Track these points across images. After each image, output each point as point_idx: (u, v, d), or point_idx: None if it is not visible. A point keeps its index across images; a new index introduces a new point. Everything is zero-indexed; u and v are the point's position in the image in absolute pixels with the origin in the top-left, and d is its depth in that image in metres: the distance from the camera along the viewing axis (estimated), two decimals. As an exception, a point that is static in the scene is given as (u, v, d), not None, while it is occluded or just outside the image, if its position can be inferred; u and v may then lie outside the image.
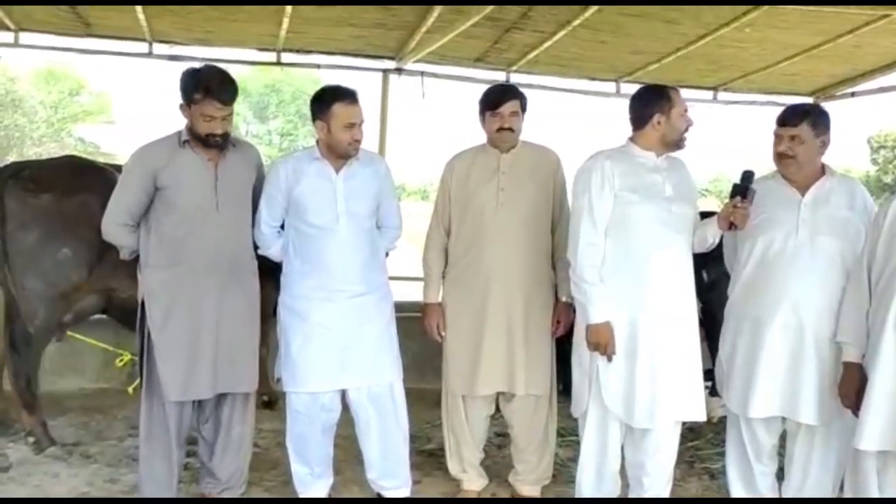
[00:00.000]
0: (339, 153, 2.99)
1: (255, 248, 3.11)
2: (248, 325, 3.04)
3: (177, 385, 2.89)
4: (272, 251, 3.13)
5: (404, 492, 3.23)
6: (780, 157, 2.91)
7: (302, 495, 3.17)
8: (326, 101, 2.95)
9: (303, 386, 3.03)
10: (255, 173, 3.10)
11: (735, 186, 2.86)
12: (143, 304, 2.95)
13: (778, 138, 2.91)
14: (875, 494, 2.63)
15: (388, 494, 3.22)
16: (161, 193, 2.90)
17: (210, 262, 2.92)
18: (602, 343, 2.83)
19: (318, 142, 3.05)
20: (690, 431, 3.06)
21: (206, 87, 2.82)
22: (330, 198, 2.99)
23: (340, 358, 3.01)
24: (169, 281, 2.91)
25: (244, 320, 3.02)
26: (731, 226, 2.85)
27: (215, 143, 2.90)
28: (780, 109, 3.04)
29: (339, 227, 2.99)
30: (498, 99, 3.17)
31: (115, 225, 2.97)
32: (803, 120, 2.88)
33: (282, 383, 3.10)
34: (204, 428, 3.13)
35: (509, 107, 3.16)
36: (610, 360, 2.83)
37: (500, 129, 3.16)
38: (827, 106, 6.12)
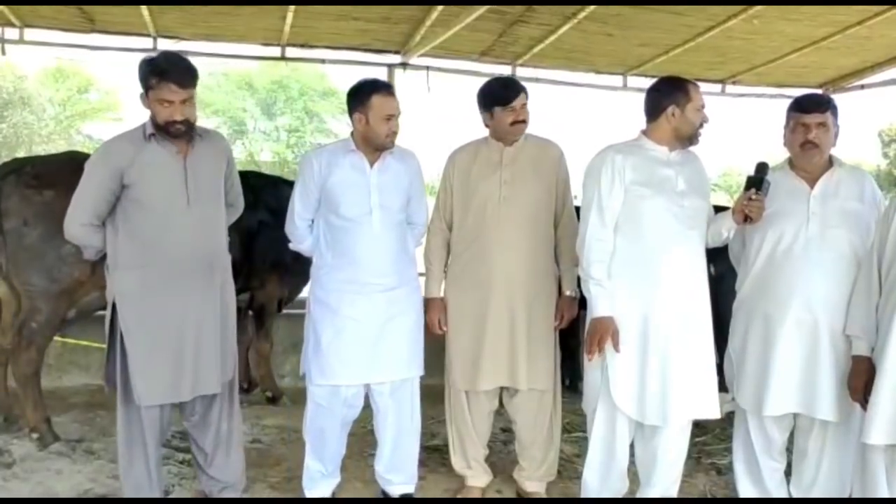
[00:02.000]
0: (375, 145, 2.98)
1: (239, 247, 3.08)
2: (221, 323, 2.93)
3: (153, 390, 2.79)
4: (304, 246, 3.13)
5: (409, 489, 3.22)
6: (805, 145, 2.85)
7: (308, 492, 3.16)
8: (365, 92, 2.96)
9: (331, 379, 3.01)
10: (226, 164, 3.01)
11: (749, 179, 2.81)
12: (113, 306, 2.81)
13: (804, 127, 2.85)
14: (884, 491, 2.60)
15: (392, 490, 3.21)
16: (128, 191, 2.76)
17: (183, 261, 2.80)
18: (601, 336, 2.79)
19: (352, 134, 3.04)
20: (697, 427, 3.04)
21: (161, 70, 2.70)
22: (363, 190, 2.99)
23: (370, 352, 3.00)
24: (141, 282, 2.78)
25: (218, 319, 2.91)
26: (747, 219, 2.80)
27: (177, 132, 2.75)
28: (788, 102, 2.99)
29: (373, 220, 2.98)
30: (511, 93, 3.14)
31: (79, 225, 2.82)
32: (828, 108, 2.86)
33: (307, 377, 3.08)
34: (192, 429, 3.05)
35: (521, 100, 3.15)
36: (616, 349, 2.79)
37: (515, 122, 3.13)
38: (836, 98, 6.09)
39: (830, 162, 2.91)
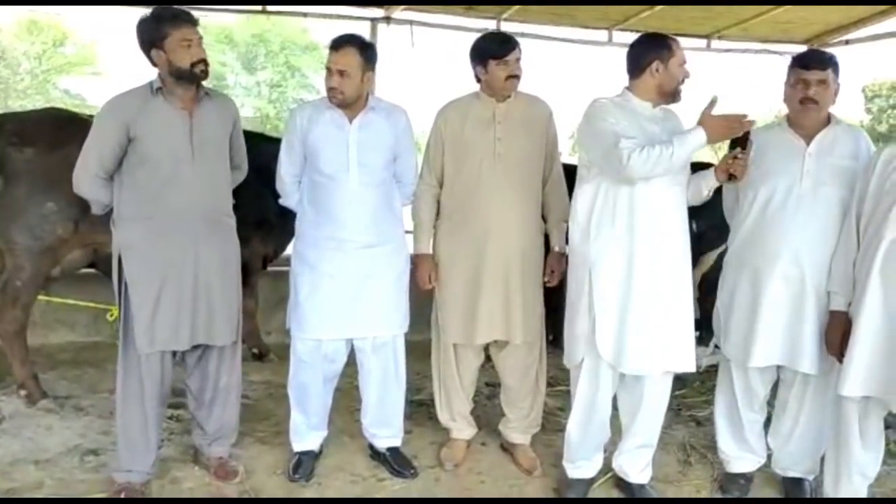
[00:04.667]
0: None
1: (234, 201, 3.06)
2: (226, 277, 2.96)
3: (151, 336, 2.82)
4: (292, 201, 3.14)
5: (395, 442, 3.28)
6: (804, 102, 2.85)
7: (296, 445, 3.20)
8: None
9: (308, 332, 3.06)
10: (232, 125, 3.02)
11: (734, 137, 2.83)
12: (119, 258, 2.85)
13: (804, 83, 2.85)
14: (856, 441, 2.69)
15: (379, 443, 3.28)
16: (134, 145, 2.78)
17: (186, 214, 2.83)
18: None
19: None
20: (677, 380, 3.10)
21: (173, 15, 2.76)
22: (342, 147, 2.98)
23: (347, 308, 3.03)
24: (144, 233, 2.81)
25: (222, 272, 2.93)
26: (731, 177, 2.83)
27: (202, 74, 2.79)
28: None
29: (350, 177, 2.98)
30: (505, 47, 3.11)
31: (87, 178, 2.84)
32: (830, 65, 2.85)
33: (291, 331, 3.12)
34: (190, 380, 3.10)
35: (515, 54, 3.12)
36: None
37: (510, 77, 3.11)
38: (821, 54, 6.07)
39: (828, 119, 2.92)
